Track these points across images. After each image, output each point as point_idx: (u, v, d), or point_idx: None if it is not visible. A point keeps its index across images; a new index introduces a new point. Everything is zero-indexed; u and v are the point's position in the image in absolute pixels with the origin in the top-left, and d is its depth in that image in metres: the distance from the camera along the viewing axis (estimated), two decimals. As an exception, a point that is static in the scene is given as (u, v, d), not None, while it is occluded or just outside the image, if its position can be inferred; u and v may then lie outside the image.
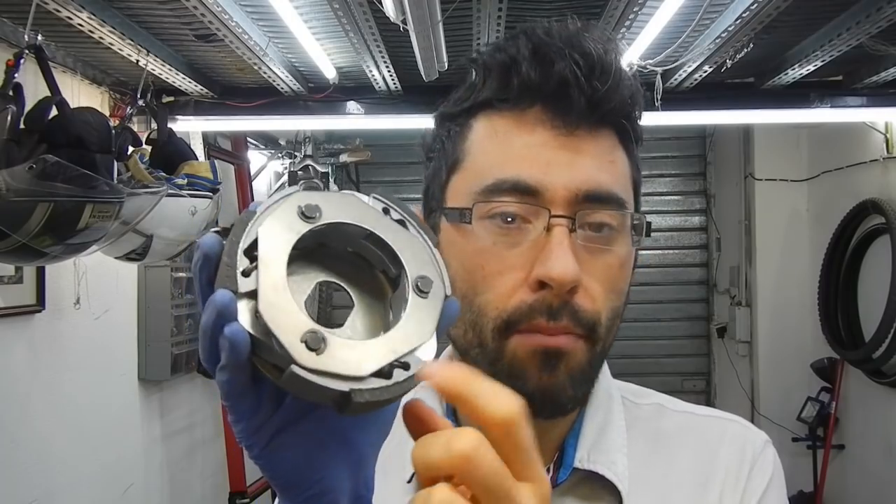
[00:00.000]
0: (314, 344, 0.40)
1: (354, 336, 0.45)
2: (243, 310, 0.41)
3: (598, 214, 0.64)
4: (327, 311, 5.21)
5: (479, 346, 0.65)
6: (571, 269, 0.61)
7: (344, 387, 0.40)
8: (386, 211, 0.48)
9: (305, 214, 0.44)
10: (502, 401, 0.39)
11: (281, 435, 0.46)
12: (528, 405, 0.57)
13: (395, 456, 0.60)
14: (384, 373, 0.42)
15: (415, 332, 0.43)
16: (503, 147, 0.66)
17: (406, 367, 0.42)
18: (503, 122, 0.66)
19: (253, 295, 0.41)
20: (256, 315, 0.41)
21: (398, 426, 0.47)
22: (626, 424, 0.74)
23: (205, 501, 3.79)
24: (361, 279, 0.49)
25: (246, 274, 0.42)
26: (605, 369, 0.77)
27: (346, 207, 0.46)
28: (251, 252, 0.42)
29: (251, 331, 0.41)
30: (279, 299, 0.41)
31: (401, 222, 0.48)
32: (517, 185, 0.63)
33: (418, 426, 0.43)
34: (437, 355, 0.45)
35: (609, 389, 0.76)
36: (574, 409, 0.69)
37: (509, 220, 0.63)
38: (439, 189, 0.70)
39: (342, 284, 0.48)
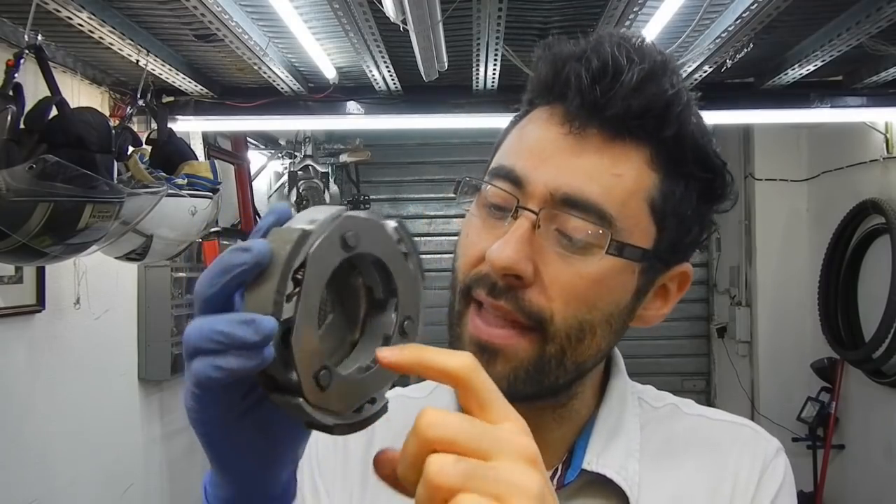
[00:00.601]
0: (324, 382, 0.45)
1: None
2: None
3: (572, 221, 0.63)
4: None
5: (451, 308, 0.68)
6: (505, 256, 0.62)
7: (330, 421, 0.46)
8: (399, 241, 0.50)
9: (347, 244, 0.46)
10: (453, 356, 0.44)
11: (244, 419, 0.49)
12: None
13: None
14: (359, 408, 0.48)
15: (390, 372, 0.48)
16: (520, 138, 0.68)
17: (373, 402, 0.48)
18: (537, 114, 0.68)
19: (287, 321, 0.43)
20: (284, 340, 0.43)
21: (391, 430, 0.50)
22: (641, 427, 0.73)
23: (205, 501, 3.78)
24: (342, 284, 0.51)
25: (288, 299, 0.44)
26: (623, 373, 0.76)
27: (376, 237, 0.48)
28: (295, 274, 0.44)
29: (274, 351, 0.44)
30: (308, 331, 0.44)
31: (405, 255, 0.50)
32: (509, 173, 0.65)
33: (391, 472, 0.46)
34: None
35: (624, 393, 0.75)
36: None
37: (496, 202, 0.66)
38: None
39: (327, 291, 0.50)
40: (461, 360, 0.43)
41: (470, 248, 0.67)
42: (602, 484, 0.68)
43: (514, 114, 0.73)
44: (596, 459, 0.69)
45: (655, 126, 0.64)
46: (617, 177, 0.64)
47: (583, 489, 0.69)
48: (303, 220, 0.46)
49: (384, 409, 0.49)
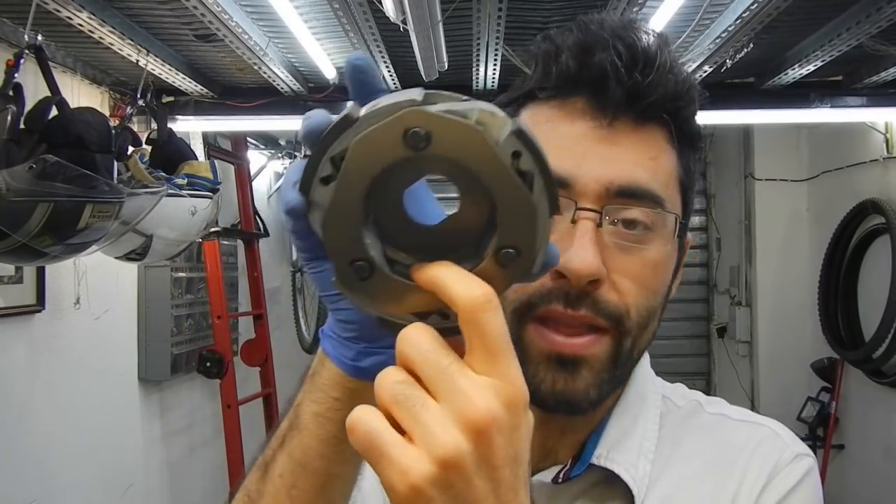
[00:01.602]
0: (361, 273, 0.43)
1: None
2: (323, 198, 0.42)
3: (631, 210, 0.63)
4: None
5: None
6: (588, 263, 0.61)
7: (372, 311, 0.44)
8: (516, 155, 0.41)
9: (409, 142, 0.40)
10: (468, 285, 0.40)
11: None
12: (542, 405, 0.62)
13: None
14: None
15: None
16: (543, 137, 0.66)
17: (424, 317, 0.44)
18: (547, 111, 0.67)
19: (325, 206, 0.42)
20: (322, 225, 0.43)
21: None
22: (661, 427, 0.72)
23: (205, 501, 3.78)
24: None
25: (325, 181, 0.42)
26: (645, 371, 0.76)
27: (461, 142, 0.40)
28: (337, 161, 0.41)
29: (319, 232, 0.43)
30: (342, 219, 0.42)
31: (527, 176, 0.41)
32: None
33: None
34: None
35: (644, 393, 0.74)
36: (594, 410, 0.67)
37: None
38: None
39: None
40: (471, 294, 0.40)
41: None
42: (611, 482, 0.68)
43: None
44: (606, 454, 0.68)
45: (682, 105, 0.66)
46: (653, 160, 0.65)
47: (591, 486, 0.68)
48: (378, 103, 0.42)
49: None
